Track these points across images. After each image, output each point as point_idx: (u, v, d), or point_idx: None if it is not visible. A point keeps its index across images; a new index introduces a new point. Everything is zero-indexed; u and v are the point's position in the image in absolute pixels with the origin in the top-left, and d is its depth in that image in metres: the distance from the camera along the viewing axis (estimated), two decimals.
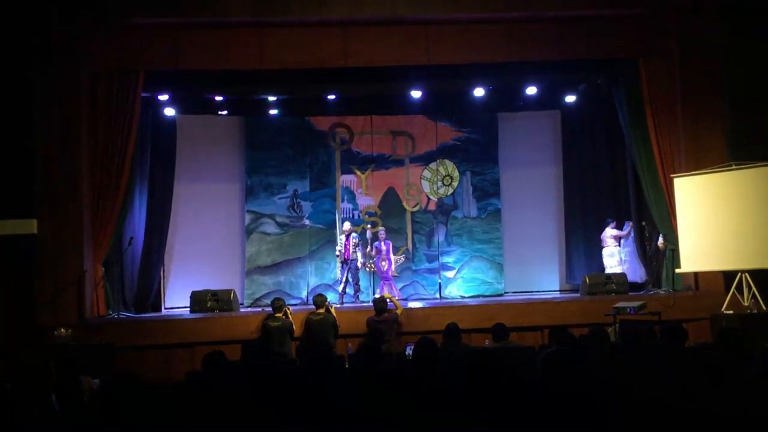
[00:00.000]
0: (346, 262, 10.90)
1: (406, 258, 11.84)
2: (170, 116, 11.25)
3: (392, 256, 11.26)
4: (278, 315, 8.55)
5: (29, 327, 8.79)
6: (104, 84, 9.58)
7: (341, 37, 9.78)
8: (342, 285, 10.86)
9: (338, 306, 9.82)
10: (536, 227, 12.42)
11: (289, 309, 8.73)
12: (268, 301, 10.70)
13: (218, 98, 11.12)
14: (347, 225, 11.08)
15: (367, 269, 11.14)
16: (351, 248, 10.84)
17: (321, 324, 8.49)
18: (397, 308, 8.94)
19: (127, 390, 3.52)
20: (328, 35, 9.77)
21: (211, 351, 5.04)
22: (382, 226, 11.76)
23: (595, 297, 10.07)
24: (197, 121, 11.90)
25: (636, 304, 8.30)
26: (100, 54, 9.52)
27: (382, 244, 11.18)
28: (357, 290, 11.01)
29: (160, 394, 3.98)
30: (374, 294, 11.02)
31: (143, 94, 9.87)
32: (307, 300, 11.67)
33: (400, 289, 11.56)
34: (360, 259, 10.95)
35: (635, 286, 10.71)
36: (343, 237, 10.93)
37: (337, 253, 10.96)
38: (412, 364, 4.99)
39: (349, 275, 10.86)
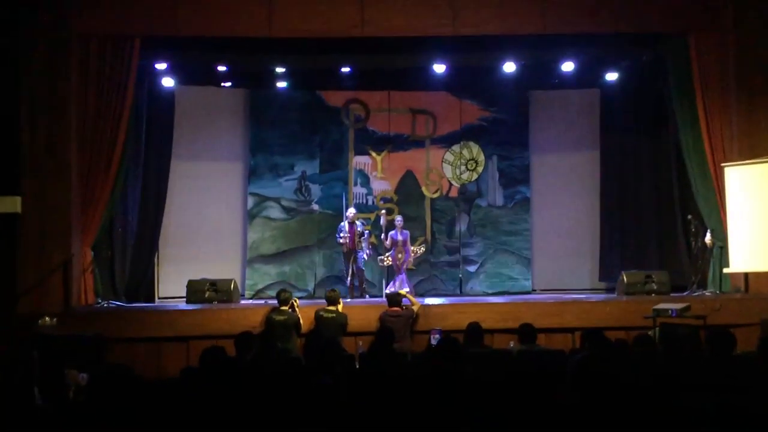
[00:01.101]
0: (350, 252, 10.71)
1: (425, 250, 11.74)
2: (168, 87, 11.26)
3: (410, 247, 11.12)
4: (284, 308, 8.57)
5: (10, 315, 8.83)
6: (96, 50, 9.55)
7: (357, 4, 9.72)
8: (350, 278, 10.74)
9: (347, 301, 9.81)
10: (569, 218, 12.37)
11: (296, 302, 8.74)
12: (272, 293, 10.77)
13: (221, 68, 11.11)
14: (351, 211, 10.95)
15: (384, 263, 11.00)
16: (355, 238, 10.66)
17: (333, 323, 8.49)
18: (413, 305, 8.94)
19: (119, 385, 3.53)
20: (343, 1, 9.72)
21: (211, 346, 5.04)
22: (399, 213, 11.73)
23: (634, 297, 10.02)
24: (198, 93, 11.91)
25: (679, 306, 8.25)
26: (92, 16, 9.49)
27: (399, 234, 11.00)
28: (362, 289, 10.80)
29: (154, 391, 3.99)
30: (385, 291, 10.98)
31: (139, 62, 9.86)
32: (314, 293, 11.71)
33: (416, 285, 11.50)
34: (366, 251, 10.79)
35: (678, 287, 10.65)
36: (346, 224, 10.76)
37: (341, 241, 10.78)
38: (432, 363, 4.98)
39: (354, 267, 10.69)
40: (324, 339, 8.30)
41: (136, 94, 10.08)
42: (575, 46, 10.56)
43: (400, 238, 11.00)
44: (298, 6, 9.72)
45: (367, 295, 10.77)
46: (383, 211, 11.46)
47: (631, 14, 9.90)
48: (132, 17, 9.57)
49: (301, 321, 8.56)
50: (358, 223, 10.91)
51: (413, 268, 11.50)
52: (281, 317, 8.43)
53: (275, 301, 8.97)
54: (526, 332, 6.90)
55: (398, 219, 11.21)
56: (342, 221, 10.91)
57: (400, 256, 10.91)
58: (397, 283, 10.75)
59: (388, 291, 10.31)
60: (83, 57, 9.52)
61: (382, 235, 11.16)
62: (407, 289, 10.46)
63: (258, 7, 9.68)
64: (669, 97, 10.70)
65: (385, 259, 10.96)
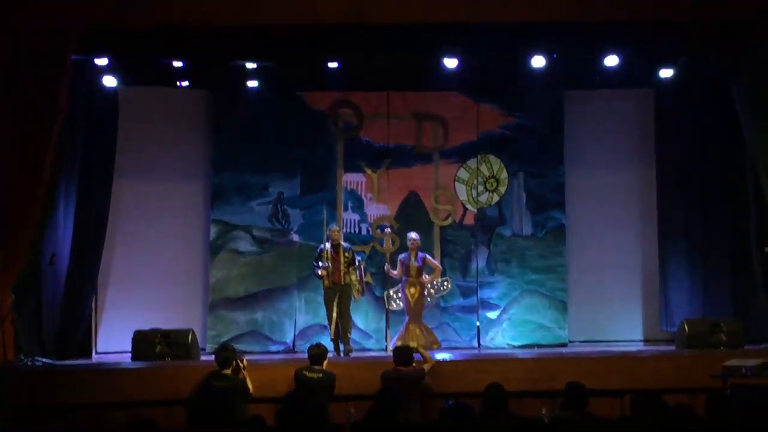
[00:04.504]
0: (335, 290, 10.59)
1: (449, 286, 11.44)
2: (110, 87, 11.33)
3: (428, 278, 10.86)
4: (226, 371, 8.40)
5: None
6: (23, 44, 9.65)
7: None
8: (333, 325, 10.67)
9: (334, 357, 9.79)
10: (616, 251, 12.41)
11: (242, 361, 8.56)
12: (242, 347, 10.77)
13: (177, 64, 11.19)
14: (334, 228, 10.88)
15: (394, 303, 10.84)
16: (342, 267, 10.60)
17: (318, 385, 8.47)
18: (425, 361, 8.95)
19: None
20: None
21: (136, 417, 5.04)
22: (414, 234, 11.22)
23: (698, 351, 10.03)
24: (147, 95, 12.02)
25: (754, 362, 8.24)
26: (18, 2, 9.61)
27: (412, 257, 10.78)
28: (346, 344, 10.54)
29: None
30: (386, 338, 10.98)
31: (75, 57, 9.95)
32: (294, 346, 11.71)
33: None
34: (356, 285, 10.62)
35: (754, 338, 10.66)
36: (327, 247, 10.63)
37: (320, 272, 10.60)
38: None
39: (338, 311, 10.53)
40: (306, 405, 8.31)
41: (71, 97, 10.14)
42: (621, 36, 10.63)
43: (412, 262, 10.80)
44: None
45: (350, 353, 10.57)
46: (387, 229, 11.34)
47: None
48: (68, 3, 9.64)
49: (250, 385, 8.37)
50: (345, 244, 10.80)
51: (431, 301, 11.17)
52: (221, 383, 8.25)
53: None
54: (574, 395, 6.82)
55: (412, 236, 10.95)
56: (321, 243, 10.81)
57: (413, 290, 10.75)
58: (409, 330, 10.57)
59: (396, 343, 10.16)
60: (7, 54, 9.59)
61: (386, 265, 10.98)
62: (426, 339, 10.34)
63: None
64: (742, 100, 10.78)
65: (394, 296, 10.79)
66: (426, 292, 11.03)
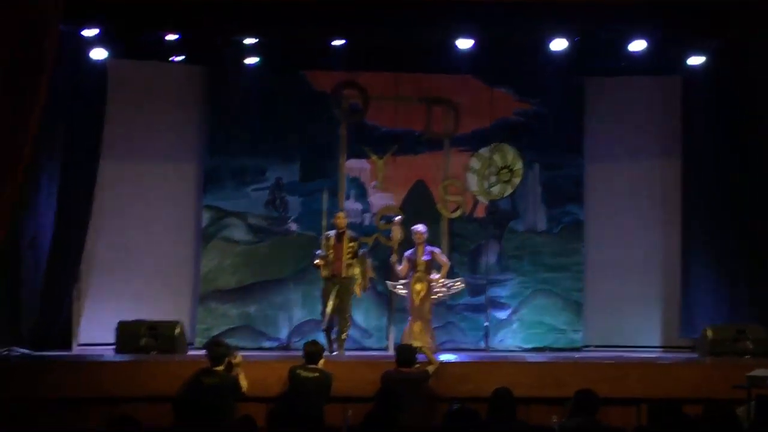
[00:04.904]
0: (334, 281, 10.48)
1: (462, 285, 11.06)
2: (99, 60, 11.30)
3: (437, 276, 10.60)
4: (218, 368, 8.37)
5: None
6: (4, 11, 9.61)
7: None
8: (327, 321, 10.51)
9: (329, 355, 9.75)
10: (636, 250, 12.41)
11: (237, 358, 8.52)
12: (234, 341, 10.73)
13: (171, 37, 11.14)
14: (341, 215, 10.71)
15: (400, 290, 10.61)
16: (344, 256, 10.49)
17: (314, 385, 8.45)
18: (429, 362, 8.93)
19: None
20: None
21: (119, 414, 5.03)
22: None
23: (721, 359, 10.02)
24: (138, 70, 11.99)
25: None
26: None
27: (419, 252, 10.52)
28: (340, 341, 10.46)
29: None
30: (387, 336, 10.98)
31: (62, 27, 9.91)
32: (289, 343, 11.71)
33: None
34: (358, 278, 10.52)
35: None
36: (332, 235, 10.58)
37: (317, 261, 10.50)
38: None
39: (335, 305, 10.42)
40: (300, 406, 8.30)
41: (56, 70, 10.10)
42: (647, 19, 10.60)
43: (420, 257, 10.59)
44: None
45: (342, 352, 10.48)
46: (398, 218, 11.00)
47: None
48: None
49: (244, 382, 8.33)
50: (351, 233, 10.71)
51: (441, 299, 10.94)
52: (212, 380, 8.21)
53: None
54: (584, 401, 6.81)
55: (420, 228, 10.58)
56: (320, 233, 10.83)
57: (419, 287, 10.64)
58: (414, 331, 10.48)
59: (403, 342, 10.10)
60: None
61: (393, 256, 10.63)
62: (430, 343, 10.26)
63: None
64: None
65: (400, 286, 10.65)
66: (435, 292, 10.85)
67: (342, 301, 10.52)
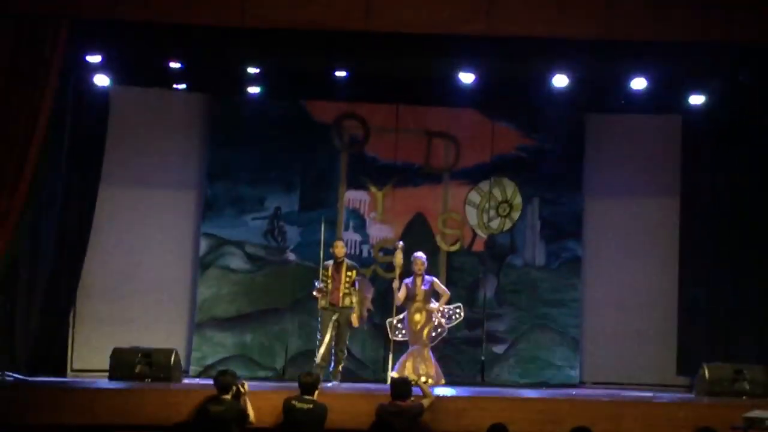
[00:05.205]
0: (332, 309, 10.39)
1: (461, 316, 11.06)
2: (102, 87, 11.37)
3: (437, 305, 10.61)
4: (225, 397, 8.42)
5: None
6: (7, 35, 9.64)
7: None
8: (323, 349, 10.40)
9: (327, 386, 9.69)
10: (634, 287, 12.39)
11: (244, 387, 8.58)
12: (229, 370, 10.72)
13: (174, 65, 11.21)
14: (339, 245, 10.60)
15: (399, 334, 10.67)
16: (342, 287, 10.43)
17: (308, 417, 8.42)
18: (424, 396, 8.88)
19: None
20: None
21: None
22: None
23: (718, 399, 9.96)
24: (140, 97, 12.04)
25: None
26: None
27: (418, 281, 10.59)
28: (337, 370, 10.40)
29: None
30: (387, 367, 10.89)
31: (65, 53, 9.93)
32: (284, 373, 11.66)
33: None
34: (353, 306, 10.38)
35: None
36: (330, 264, 10.52)
37: (316, 293, 10.43)
38: None
39: (334, 335, 10.35)
40: None
41: (58, 95, 10.13)
42: (648, 57, 10.64)
43: (418, 287, 10.62)
44: None
45: (339, 380, 10.43)
46: (400, 243, 10.96)
47: (724, 18, 9.96)
48: None
49: (251, 411, 8.40)
50: (349, 262, 10.62)
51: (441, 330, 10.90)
52: (218, 408, 8.29)
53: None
54: None
55: (418, 256, 10.69)
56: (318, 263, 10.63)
57: (417, 317, 10.63)
58: (409, 364, 10.43)
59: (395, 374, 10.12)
60: None
61: (395, 282, 10.64)
62: (432, 375, 10.20)
63: None
64: None
65: (398, 324, 10.66)
66: (435, 321, 10.84)
67: (340, 332, 10.47)
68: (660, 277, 12.40)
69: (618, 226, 12.54)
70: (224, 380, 8.44)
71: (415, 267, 10.67)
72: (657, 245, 12.48)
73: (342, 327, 10.49)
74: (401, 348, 10.93)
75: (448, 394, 9.74)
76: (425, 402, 8.84)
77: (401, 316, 10.80)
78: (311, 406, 8.50)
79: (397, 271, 10.69)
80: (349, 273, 10.52)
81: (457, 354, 12.07)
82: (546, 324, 12.20)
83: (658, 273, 12.42)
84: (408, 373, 10.25)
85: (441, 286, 10.83)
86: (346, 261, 10.64)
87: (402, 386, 8.72)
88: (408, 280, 10.67)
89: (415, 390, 8.86)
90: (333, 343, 10.46)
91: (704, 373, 10.46)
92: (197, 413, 8.45)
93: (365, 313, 10.76)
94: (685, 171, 12.32)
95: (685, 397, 10.70)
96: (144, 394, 9.22)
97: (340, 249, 10.61)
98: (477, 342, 12.09)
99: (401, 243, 10.96)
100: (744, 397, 9.96)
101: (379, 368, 11.61)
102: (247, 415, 8.38)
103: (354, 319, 10.52)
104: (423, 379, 10.10)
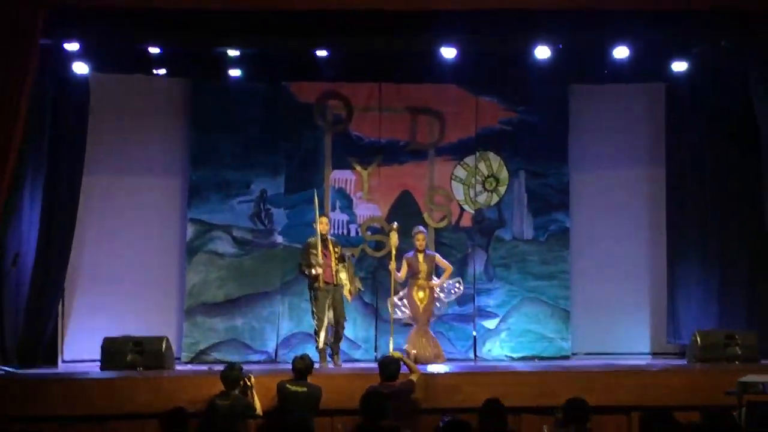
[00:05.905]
0: (327, 288, 10.33)
1: (461, 289, 11.17)
2: (81, 75, 11.27)
3: (439, 280, 10.63)
4: (233, 392, 8.46)
5: None
6: None
7: None
8: (324, 331, 10.37)
9: (320, 368, 9.71)
10: (623, 257, 12.43)
11: (251, 380, 8.62)
12: (219, 356, 10.75)
13: (153, 50, 11.12)
14: (324, 221, 10.50)
15: (399, 312, 10.67)
16: (333, 264, 10.39)
17: (302, 399, 8.43)
18: (411, 372, 8.88)
19: None
20: None
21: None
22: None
23: (711, 365, 10.03)
24: (120, 83, 11.95)
25: None
26: None
27: (420, 256, 10.58)
28: (335, 352, 10.39)
29: None
30: (376, 348, 10.92)
31: (43, 41, 9.87)
32: (277, 356, 11.65)
33: None
34: (347, 284, 10.38)
35: None
36: (318, 242, 10.36)
37: (315, 270, 10.32)
38: None
39: (331, 315, 10.34)
40: (289, 421, 8.25)
41: (37, 84, 10.07)
42: (631, 26, 10.62)
43: (420, 262, 10.63)
44: None
45: (338, 364, 10.43)
46: (395, 224, 10.99)
47: None
48: None
49: (258, 404, 8.46)
50: (332, 237, 10.61)
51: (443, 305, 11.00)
52: (225, 402, 8.34)
53: (222, 366, 8.91)
54: (576, 411, 6.81)
55: (419, 229, 10.81)
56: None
57: (421, 294, 10.62)
58: (411, 342, 10.44)
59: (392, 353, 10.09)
60: None
61: (391, 264, 10.72)
62: (430, 352, 10.21)
63: None
64: (759, 93, 10.81)
65: (400, 305, 10.68)
66: (436, 296, 10.86)
67: (337, 309, 10.46)
68: (649, 244, 12.49)
69: (605, 197, 12.56)
70: (231, 375, 8.53)
71: (417, 241, 10.72)
72: (645, 213, 12.55)
73: (338, 303, 10.47)
74: (395, 328, 10.92)
75: (442, 371, 9.77)
76: (413, 377, 8.85)
77: (401, 293, 10.79)
78: (305, 388, 8.54)
79: (393, 252, 10.71)
80: (336, 249, 10.55)
81: (448, 330, 12.06)
82: (536, 297, 12.21)
83: (647, 241, 12.50)
84: (411, 350, 10.23)
85: (443, 261, 10.90)
86: (330, 237, 10.63)
87: (389, 367, 8.70)
88: (409, 254, 10.69)
89: (402, 368, 8.86)
90: (332, 322, 10.42)
91: (696, 340, 10.53)
92: (207, 408, 8.49)
93: (357, 288, 10.72)
94: (670, 138, 12.36)
95: (679, 365, 10.77)
96: (137, 382, 9.25)
97: (325, 225, 10.58)
98: (468, 318, 12.10)
99: (396, 224, 10.96)
100: (736, 362, 10.02)
101: (371, 347, 11.63)
102: (254, 409, 8.47)
103: (347, 294, 10.53)
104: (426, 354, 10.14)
